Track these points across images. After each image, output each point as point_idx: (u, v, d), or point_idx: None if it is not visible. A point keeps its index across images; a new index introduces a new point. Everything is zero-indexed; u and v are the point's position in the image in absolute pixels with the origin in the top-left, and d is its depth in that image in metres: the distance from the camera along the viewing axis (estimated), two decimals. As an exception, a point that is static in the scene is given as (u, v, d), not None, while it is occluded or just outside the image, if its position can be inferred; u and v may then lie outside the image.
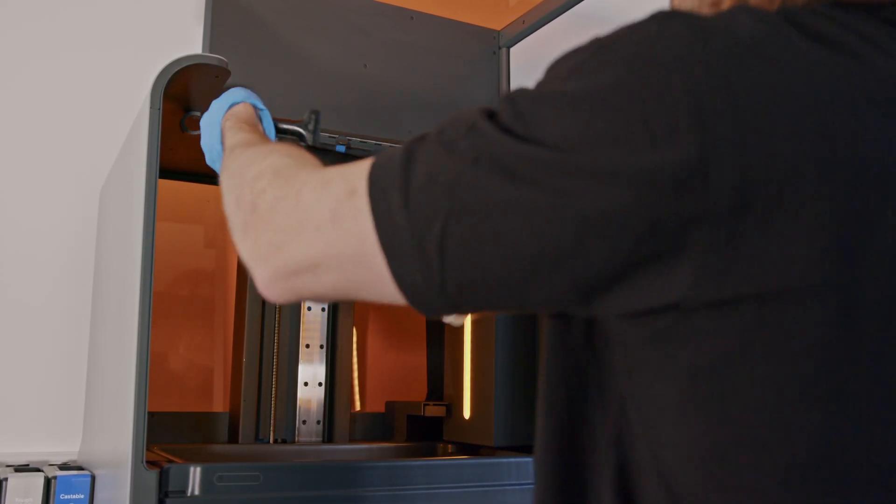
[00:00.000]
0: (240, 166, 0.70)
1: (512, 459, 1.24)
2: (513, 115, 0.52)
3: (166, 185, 1.35)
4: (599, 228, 0.47)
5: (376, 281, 0.55)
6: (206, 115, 1.01)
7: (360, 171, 0.57)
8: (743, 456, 0.48)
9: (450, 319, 1.02)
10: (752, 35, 0.48)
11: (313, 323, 1.58)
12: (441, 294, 0.53)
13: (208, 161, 1.00)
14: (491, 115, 0.54)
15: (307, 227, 0.58)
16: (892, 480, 0.48)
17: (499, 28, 1.61)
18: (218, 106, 1.00)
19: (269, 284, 0.62)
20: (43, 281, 1.55)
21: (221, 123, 0.97)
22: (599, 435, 0.55)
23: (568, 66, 0.52)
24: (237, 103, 1.00)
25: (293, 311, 1.57)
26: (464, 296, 0.53)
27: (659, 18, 0.50)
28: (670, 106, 0.46)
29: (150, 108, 1.09)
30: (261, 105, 1.03)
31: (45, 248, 1.56)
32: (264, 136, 0.91)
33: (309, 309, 1.58)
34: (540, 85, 0.53)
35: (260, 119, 1.03)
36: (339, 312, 1.59)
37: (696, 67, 0.47)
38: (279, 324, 1.53)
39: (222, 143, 0.93)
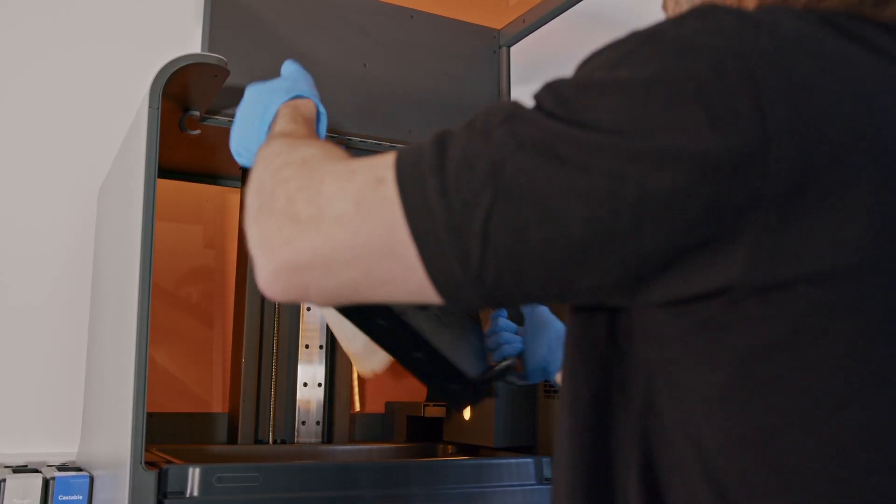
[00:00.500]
0: (272, 154, 0.67)
1: (512, 460, 1.24)
2: (556, 102, 0.52)
3: (165, 184, 1.35)
4: (655, 211, 0.47)
5: (403, 274, 0.53)
6: (257, 87, 0.91)
7: (386, 160, 0.55)
8: (793, 437, 0.49)
9: (367, 368, 0.99)
10: (797, 29, 0.50)
11: (313, 323, 1.58)
12: (478, 285, 0.51)
13: (237, 136, 0.89)
14: (530, 106, 0.53)
15: (326, 218, 0.55)
16: None
17: (499, 27, 1.60)
18: (278, 88, 0.89)
19: (273, 279, 0.58)
20: (41, 280, 1.55)
21: (278, 108, 0.86)
22: (623, 434, 0.55)
23: (614, 56, 0.52)
24: (301, 97, 0.89)
25: (293, 312, 1.57)
26: (503, 286, 0.51)
27: (704, 12, 0.51)
28: (729, 92, 0.47)
29: (149, 107, 1.09)
30: (322, 108, 0.93)
31: (44, 247, 1.56)
32: (315, 135, 0.83)
33: (308, 309, 1.58)
34: (582, 74, 0.53)
35: (318, 120, 0.93)
36: (339, 313, 1.59)
37: (751, 55, 0.48)
38: (278, 324, 1.53)
39: (270, 127, 0.84)
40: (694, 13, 0.51)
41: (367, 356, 1.06)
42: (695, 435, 0.51)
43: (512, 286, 0.52)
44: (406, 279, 0.54)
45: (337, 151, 0.63)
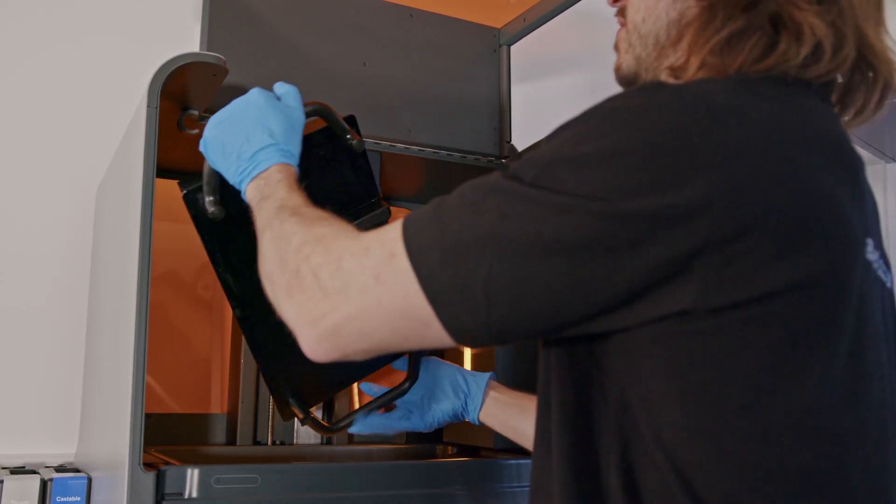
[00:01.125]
0: (288, 233, 0.77)
1: (512, 461, 1.23)
2: (532, 174, 0.63)
3: (163, 184, 1.35)
4: (623, 261, 0.59)
5: (422, 329, 0.65)
6: (254, 111, 0.94)
7: (394, 235, 0.67)
8: (737, 426, 0.61)
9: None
10: (727, 101, 0.63)
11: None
12: (488, 331, 0.63)
13: (218, 150, 0.94)
14: (509, 177, 0.65)
15: (352, 291, 0.67)
16: (845, 433, 0.64)
17: (499, 26, 1.60)
18: (269, 131, 0.92)
19: (316, 345, 0.70)
20: (39, 281, 1.55)
21: (267, 170, 0.90)
22: (604, 430, 0.66)
23: (578, 132, 0.64)
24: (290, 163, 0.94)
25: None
26: (508, 329, 0.63)
27: (649, 89, 0.65)
28: (672, 160, 0.59)
29: (148, 106, 1.09)
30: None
31: (41, 247, 1.56)
32: (308, 200, 0.88)
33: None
34: (551, 149, 0.64)
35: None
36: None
37: (689, 128, 0.60)
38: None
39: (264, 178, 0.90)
40: (642, 90, 0.65)
41: None
42: (658, 431, 0.63)
43: (515, 328, 0.63)
44: (426, 333, 0.65)
45: (344, 226, 0.75)
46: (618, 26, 0.85)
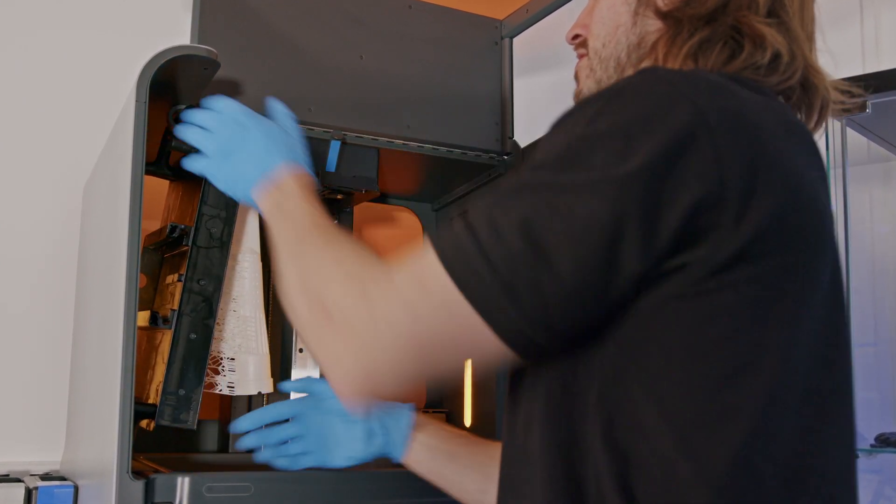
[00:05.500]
0: (305, 253, 0.78)
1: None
2: (555, 160, 0.66)
3: (153, 181, 1.35)
4: (651, 222, 0.63)
5: (470, 347, 0.66)
6: (254, 132, 1.03)
7: (424, 261, 0.67)
8: (742, 381, 0.65)
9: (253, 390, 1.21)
10: (717, 80, 0.70)
11: (307, 326, 1.58)
12: (549, 332, 0.65)
13: (228, 173, 1.01)
14: (531, 171, 0.67)
15: (381, 326, 0.66)
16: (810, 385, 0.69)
17: (501, 17, 1.61)
18: (277, 142, 1.01)
19: (351, 386, 0.68)
20: (23, 283, 1.55)
21: (279, 166, 0.96)
22: (587, 400, 0.69)
23: (589, 112, 0.67)
24: (298, 164, 1.00)
25: (286, 314, 1.57)
26: (569, 321, 0.65)
27: (645, 71, 0.70)
28: (676, 129, 0.64)
29: (136, 101, 1.09)
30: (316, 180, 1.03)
31: (26, 247, 1.56)
32: (326, 213, 0.91)
33: (302, 311, 1.58)
34: (565, 132, 0.68)
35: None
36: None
37: (693, 96, 0.66)
38: (271, 327, 1.53)
39: (276, 183, 0.94)
40: (640, 72, 0.70)
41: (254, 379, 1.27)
42: (658, 392, 0.66)
43: (578, 316, 0.65)
44: (477, 351, 0.66)
45: (366, 253, 0.75)
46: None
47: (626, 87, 0.67)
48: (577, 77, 0.91)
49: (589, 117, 0.67)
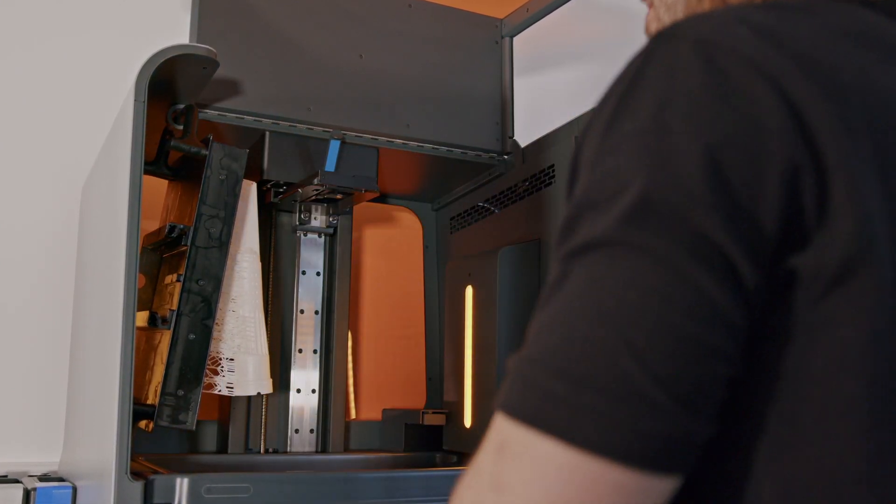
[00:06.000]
0: None
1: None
2: (605, 224, 0.51)
3: (152, 181, 1.35)
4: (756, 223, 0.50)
5: (610, 497, 0.48)
6: None
7: (492, 432, 0.51)
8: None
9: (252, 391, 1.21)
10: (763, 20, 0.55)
11: (306, 326, 1.58)
12: (695, 416, 0.48)
13: None
14: (571, 250, 0.52)
15: None
16: None
17: (501, 16, 1.61)
18: None
19: None
20: (21, 283, 1.55)
21: None
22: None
23: (599, 132, 0.55)
24: None
25: (286, 314, 1.57)
26: (705, 397, 0.49)
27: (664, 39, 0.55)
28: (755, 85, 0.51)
29: (135, 100, 1.09)
30: None
31: (24, 248, 1.56)
32: None
33: (301, 312, 1.58)
34: (585, 164, 0.55)
35: None
36: (334, 315, 1.59)
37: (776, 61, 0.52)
38: (270, 327, 1.53)
39: None
40: (659, 40, 0.55)
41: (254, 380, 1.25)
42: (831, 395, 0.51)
43: (703, 394, 0.49)
44: (617, 497, 0.48)
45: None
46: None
47: (639, 76, 0.53)
48: (647, 31, 0.76)
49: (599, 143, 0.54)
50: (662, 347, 0.48)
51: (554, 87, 1.94)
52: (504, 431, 0.50)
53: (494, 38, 1.59)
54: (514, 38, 1.61)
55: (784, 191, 0.50)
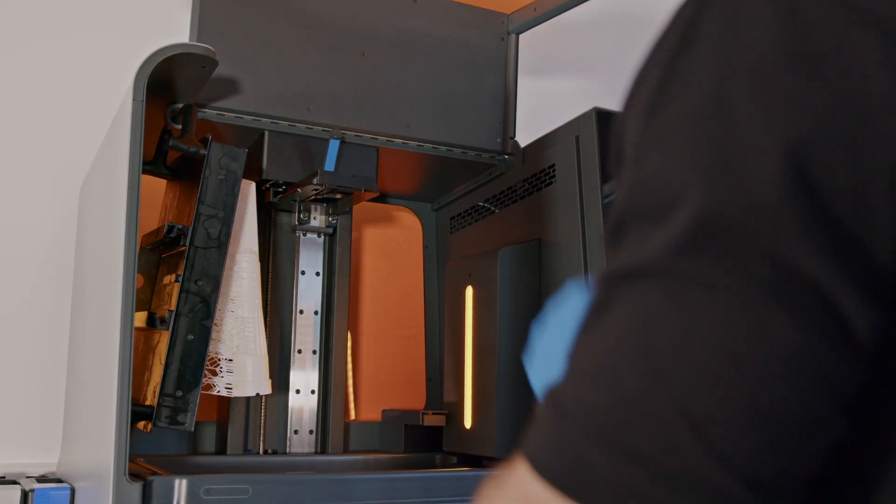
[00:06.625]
0: None
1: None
2: (655, 249, 0.40)
3: (150, 181, 1.35)
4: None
5: None
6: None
7: (514, 481, 0.44)
8: None
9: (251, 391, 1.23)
10: None
11: (306, 327, 1.58)
12: (762, 493, 0.38)
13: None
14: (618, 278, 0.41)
15: None
16: None
17: (508, 12, 1.60)
18: None
19: None
20: (19, 284, 1.55)
21: None
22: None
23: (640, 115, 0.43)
24: None
25: (284, 314, 1.57)
26: (790, 472, 0.39)
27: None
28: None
29: (133, 99, 1.09)
30: None
31: (22, 248, 1.56)
32: None
33: (301, 312, 1.58)
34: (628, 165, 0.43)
35: None
36: (334, 315, 1.59)
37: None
38: (269, 328, 1.53)
39: None
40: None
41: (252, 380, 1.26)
42: None
43: (774, 466, 0.39)
44: None
45: None
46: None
47: (691, 33, 0.40)
48: None
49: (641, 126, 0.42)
50: (731, 420, 0.37)
51: (558, 92, 1.93)
52: (530, 486, 0.42)
53: (500, 34, 1.59)
54: (521, 35, 1.60)
55: None
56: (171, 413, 1.15)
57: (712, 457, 0.37)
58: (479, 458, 1.45)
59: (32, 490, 1.19)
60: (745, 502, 0.37)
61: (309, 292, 1.59)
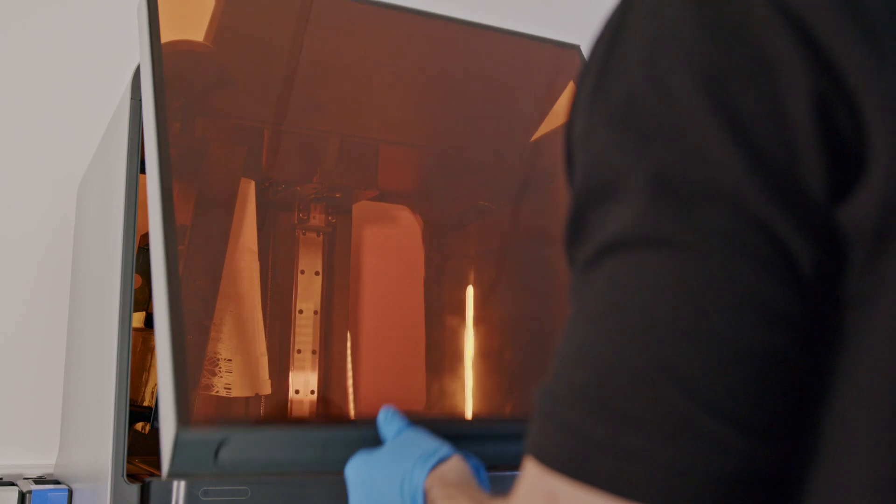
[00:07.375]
0: None
1: (508, 473, 1.23)
2: (617, 228, 0.43)
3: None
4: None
5: None
6: (379, 463, 0.85)
7: (527, 481, 0.45)
8: None
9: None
10: None
11: (305, 326, 1.58)
12: (760, 441, 0.40)
13: None
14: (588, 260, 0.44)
15: None
16: None
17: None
18: (407, 455, 0.83)
19: None
20: (17, 283, 1.55)
21: (425, 488, 0.77)
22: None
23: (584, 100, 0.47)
24: (444, 459, 0.80)
25: (283, 313, 1.57)
26: (765, 407, 0.41)
27: None
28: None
29: (131, 98, 1.09)
30: (474, 461, 0.85)
31: (19, 248, 1.56)
32: (483, 497, 0.74)
33: (300, 312, 1.58)
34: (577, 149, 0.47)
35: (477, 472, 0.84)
36: (333, 314, 1.59)
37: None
38: (269, 328, 1.52)
39: None
40: None
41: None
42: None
43: (768, 419, 0.41)
44: None
45: None
46: None
47: (621, 27, 0.45)
48: None
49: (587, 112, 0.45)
50: (707, 365, 0.40)
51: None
52: (546, 483, 0.43)
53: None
54: (516, 35, 1.60)
55: (818, 130, 0.40)
56: None
57: (700, 406, 0.40)
58: (480, 458, 1.44)
59: (30, 491, 1.19)
60: (742, 449, 0.40)
61: (308, 292, 1.59)
